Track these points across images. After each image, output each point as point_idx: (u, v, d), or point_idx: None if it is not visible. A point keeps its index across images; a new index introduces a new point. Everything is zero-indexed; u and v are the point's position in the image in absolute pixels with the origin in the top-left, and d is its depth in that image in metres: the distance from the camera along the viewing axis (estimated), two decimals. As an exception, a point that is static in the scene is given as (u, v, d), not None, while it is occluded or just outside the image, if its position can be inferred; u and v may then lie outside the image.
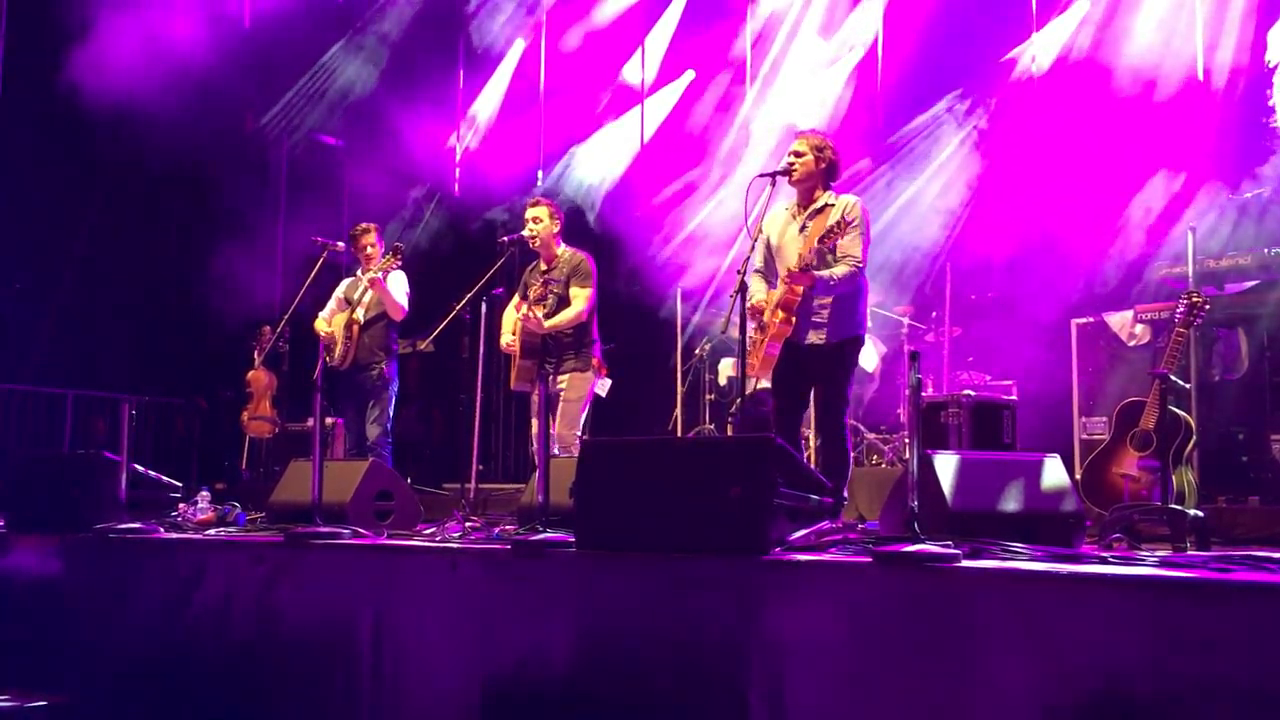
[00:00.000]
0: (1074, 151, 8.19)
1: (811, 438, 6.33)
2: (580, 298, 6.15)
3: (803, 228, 5.12)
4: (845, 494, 5.26)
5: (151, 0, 10.00)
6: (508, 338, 6.38)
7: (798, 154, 5.15)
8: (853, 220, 4.95)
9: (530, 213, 6.34)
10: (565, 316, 6.14)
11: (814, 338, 5.05)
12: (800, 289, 4.94)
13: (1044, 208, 8.24)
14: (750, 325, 5.02)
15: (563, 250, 6.34)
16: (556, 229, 6.35)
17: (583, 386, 6.17)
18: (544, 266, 6.36)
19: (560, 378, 6.15)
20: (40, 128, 9.85)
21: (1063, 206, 8.14)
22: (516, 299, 6.46)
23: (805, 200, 5.20)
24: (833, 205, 5.09)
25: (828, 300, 5.02)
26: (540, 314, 6.11)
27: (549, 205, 6.41)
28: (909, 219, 9.15)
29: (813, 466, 4.74)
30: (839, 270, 4.95)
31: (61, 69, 9.36)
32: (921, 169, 9.39)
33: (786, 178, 5.15)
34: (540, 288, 6.10)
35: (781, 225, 5.24)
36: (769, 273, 5.30)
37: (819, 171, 5.15)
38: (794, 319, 4.98)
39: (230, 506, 5.82)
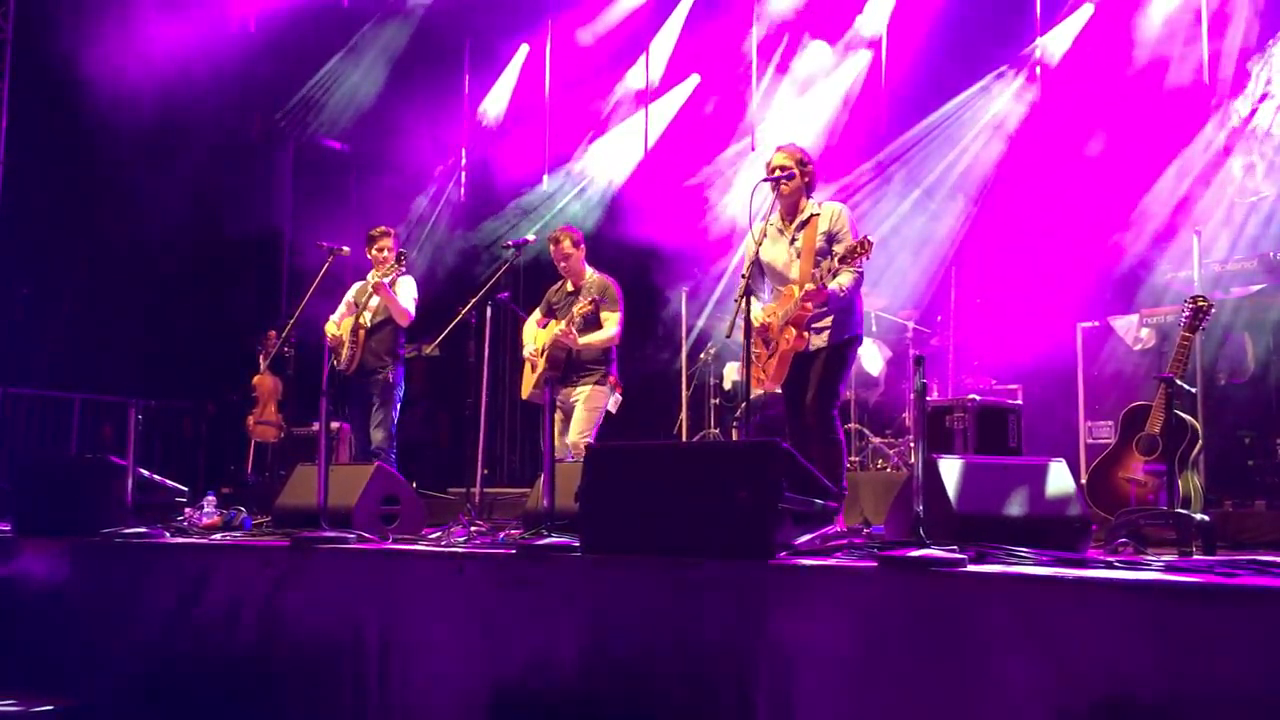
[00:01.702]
0: (1079, 154, 8.19)
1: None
2: (611, 321, 6.37)
3: (792, 240, 5.23)
4: (845, 486, 5.28)
5: (157, 5, 10.03)
6: (531, 348, 6.54)
7: (784, 169, 5.21)
8: (840, 230, 5.13)
9: (559, 248, 6.48)
10: (598, 338, 6.35)
11: (818, 342, 5.15)
12: (811, 306, 5.03)
13: (1049, 211, 8.23)
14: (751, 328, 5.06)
15: (590, 274, 6.54)
16: (583, 254, 6.56)
17: (599, 399, 6.39)
18: (570, 287, 6.53)
19: (579, 389, 6.36)
20: (46, 132, 9.89)
21: (1068, 210, 8.13)
22: (539, 315, 6.62)
23: (790, 213, 5.30)
24: (818, 214, 5.22)
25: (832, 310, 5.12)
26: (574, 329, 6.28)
27: (572, 233, 6.57)
28: (914, 223, 9.15)
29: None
30: (845, 280, 5.03)
31: (66, 73, 9.40)
32: (927, 173, 9.39)
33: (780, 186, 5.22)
34: (588, 306, 6.24)
35: (770, 241, 5.31)
36: (756, 284, 5.35)
37: (802, 185, 5.27)
38: (806, 334, 5.09)
39: (236, 511, 5.84)
